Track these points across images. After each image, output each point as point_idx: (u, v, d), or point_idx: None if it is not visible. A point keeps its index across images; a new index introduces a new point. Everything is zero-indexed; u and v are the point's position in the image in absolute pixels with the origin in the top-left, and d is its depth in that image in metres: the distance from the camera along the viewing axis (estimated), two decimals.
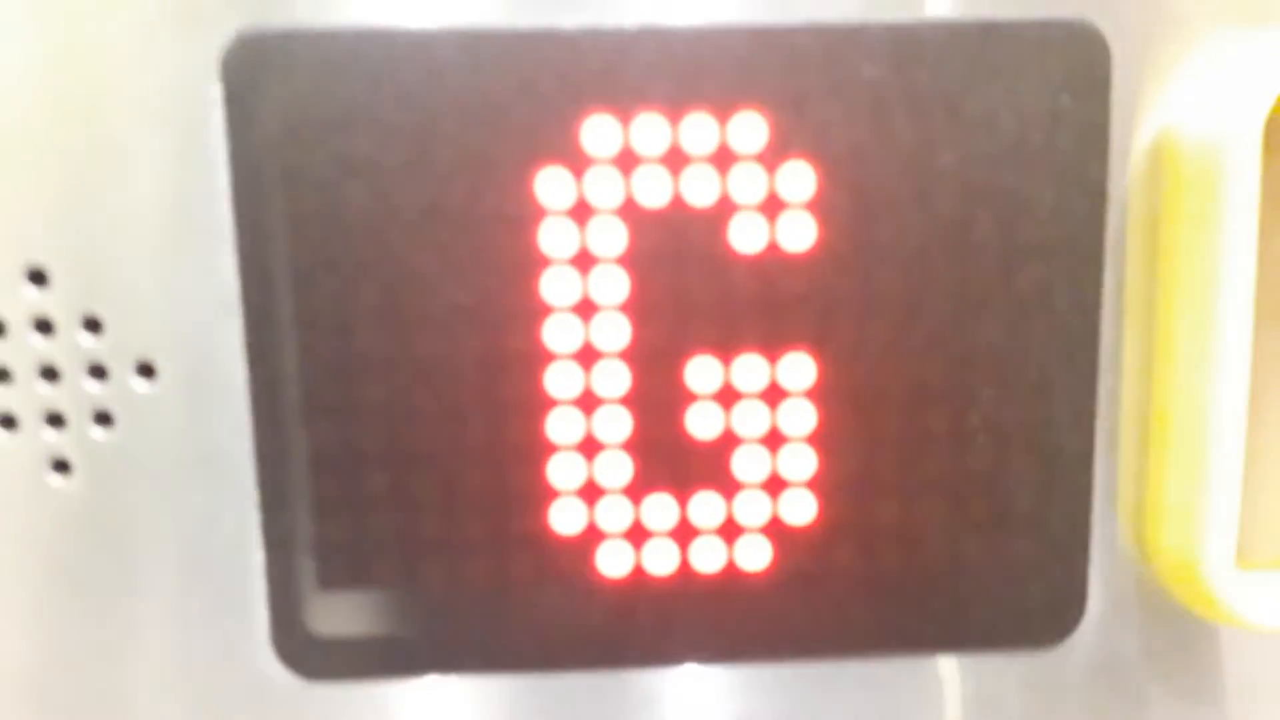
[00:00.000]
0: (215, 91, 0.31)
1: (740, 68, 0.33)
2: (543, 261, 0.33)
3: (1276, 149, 0.34)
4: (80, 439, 0.34)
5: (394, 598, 0.35)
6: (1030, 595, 0.36)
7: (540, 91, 0.32)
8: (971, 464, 0.35)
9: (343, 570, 0.34)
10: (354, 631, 0.35)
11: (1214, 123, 0.33)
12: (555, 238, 0.33)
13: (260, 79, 0.31)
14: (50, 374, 0.34)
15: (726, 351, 0.34)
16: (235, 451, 0.33)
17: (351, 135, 0.32)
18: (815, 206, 0.33)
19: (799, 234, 0.34)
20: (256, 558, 0.34)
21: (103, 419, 0.34)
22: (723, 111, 0.33)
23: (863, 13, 0.33)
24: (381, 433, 0.34)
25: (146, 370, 0.33)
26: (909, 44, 0.33)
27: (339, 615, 0.35)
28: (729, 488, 0.35)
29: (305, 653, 0.35)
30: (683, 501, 0.35)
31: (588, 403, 0.34)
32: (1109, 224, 0.34)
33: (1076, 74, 0.33)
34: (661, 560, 0.35)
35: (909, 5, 0.33)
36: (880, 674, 0.37)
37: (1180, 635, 0.37)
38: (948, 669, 0.37)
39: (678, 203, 0.33)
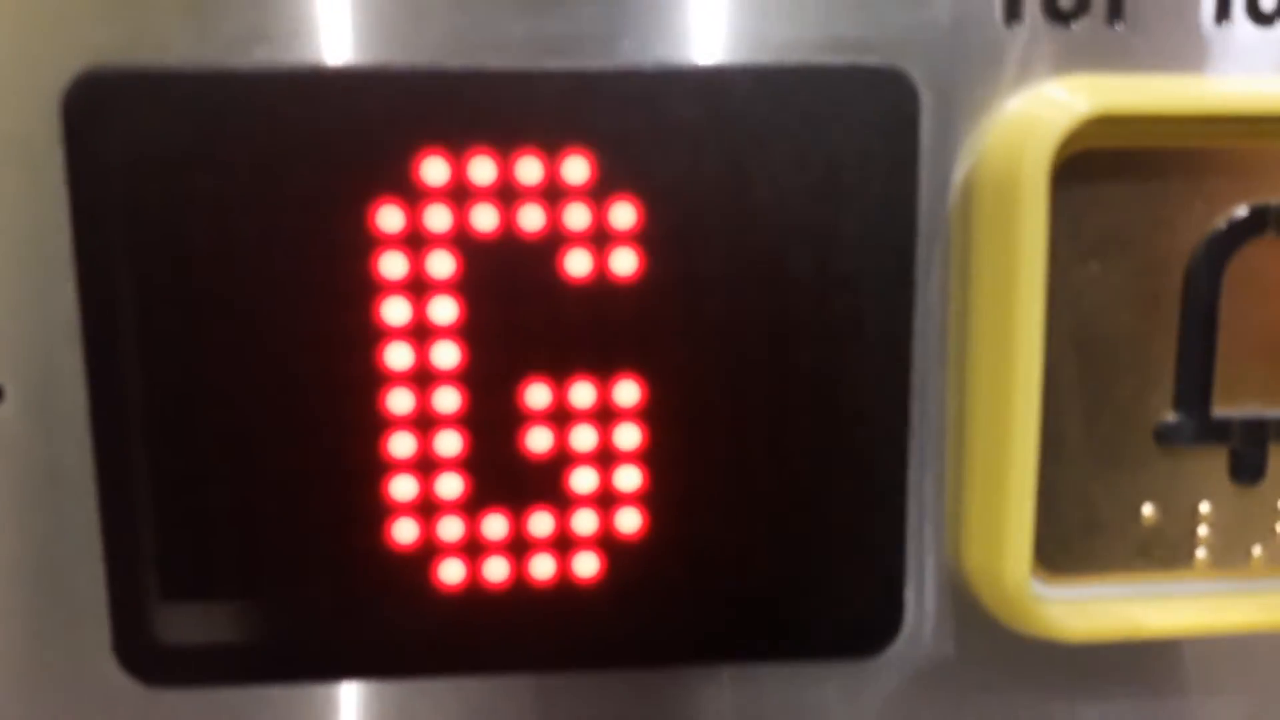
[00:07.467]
0: (57, 128, 0.33)
1: (565, 109, 0.35)
2: (380, 289, 0.35)
3: (1083, 181, 0.37)
4: None
5: (237, 608, 0.36)
6: (849, 607, 0.38)
7: (375, 128, 0.34)
8: (791, 482, 0.37)
9: (185, 582, 0.36)
10: (196, 640, 0.36)
11: (1010, 159, 0.35)
12: (391, 266, 0.35)
13: (100, 117, 0.33)
14: None
15: (559, 374, 0.36)
16: (80, 470, 0.35)
17: (191, 171, 0.33)
18: (640, 239, 0.35)
19: (625, 264, 0.36)
20: (102, 571, 0.35)
21: None
22: (550, 149, 0.35)
23: (681, 57, 0.35)
24: (223, 453, 0.35)
25: None
26: (723, 87, 0.35)
27: (181, 625, 0.36)
28: (562, 503, 0.37)
29: (148, 660, 0.36)
30: (518, 516, 0.37)
31: (424, 423, 0.36)
32: (930, 257, 0.37)
33: (885, 116, 0.35)
34: (498, 572, 0.37)
35: (726, 49, 0.35)
36: (706, 681, 0.39)
37: (995, 644, 0.39)
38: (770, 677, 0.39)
39: (509, 234, 0.35)
